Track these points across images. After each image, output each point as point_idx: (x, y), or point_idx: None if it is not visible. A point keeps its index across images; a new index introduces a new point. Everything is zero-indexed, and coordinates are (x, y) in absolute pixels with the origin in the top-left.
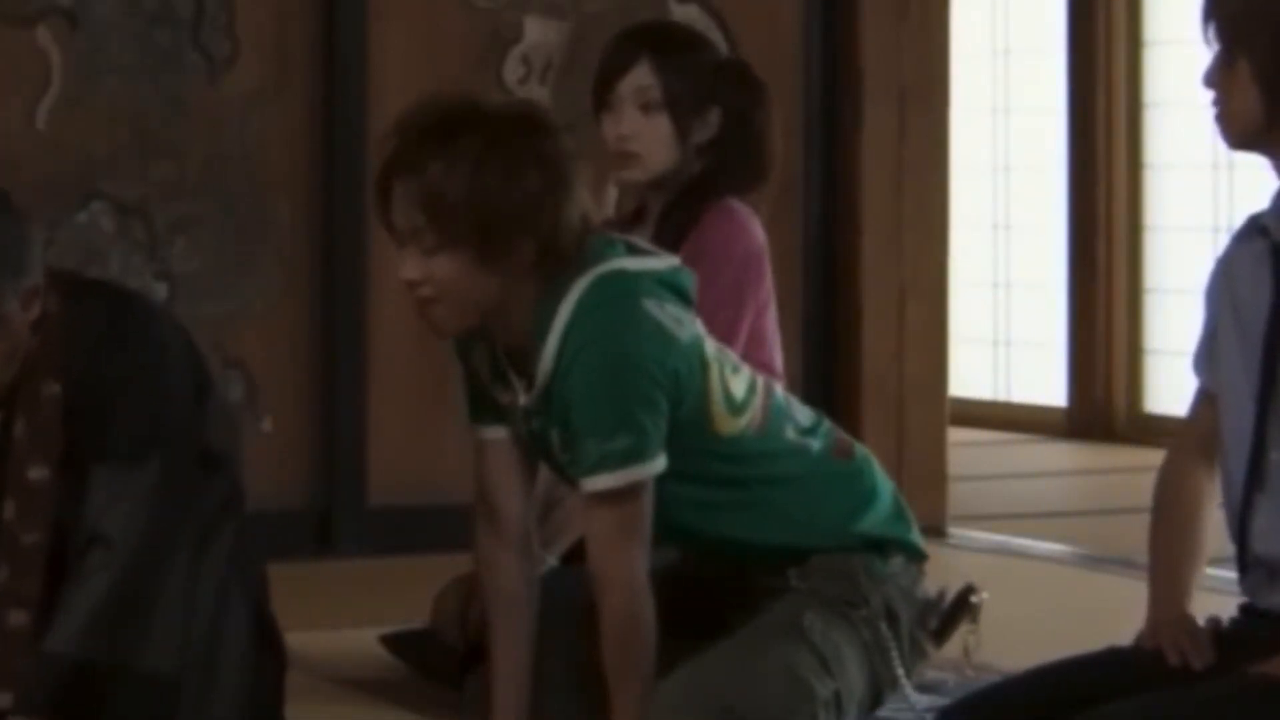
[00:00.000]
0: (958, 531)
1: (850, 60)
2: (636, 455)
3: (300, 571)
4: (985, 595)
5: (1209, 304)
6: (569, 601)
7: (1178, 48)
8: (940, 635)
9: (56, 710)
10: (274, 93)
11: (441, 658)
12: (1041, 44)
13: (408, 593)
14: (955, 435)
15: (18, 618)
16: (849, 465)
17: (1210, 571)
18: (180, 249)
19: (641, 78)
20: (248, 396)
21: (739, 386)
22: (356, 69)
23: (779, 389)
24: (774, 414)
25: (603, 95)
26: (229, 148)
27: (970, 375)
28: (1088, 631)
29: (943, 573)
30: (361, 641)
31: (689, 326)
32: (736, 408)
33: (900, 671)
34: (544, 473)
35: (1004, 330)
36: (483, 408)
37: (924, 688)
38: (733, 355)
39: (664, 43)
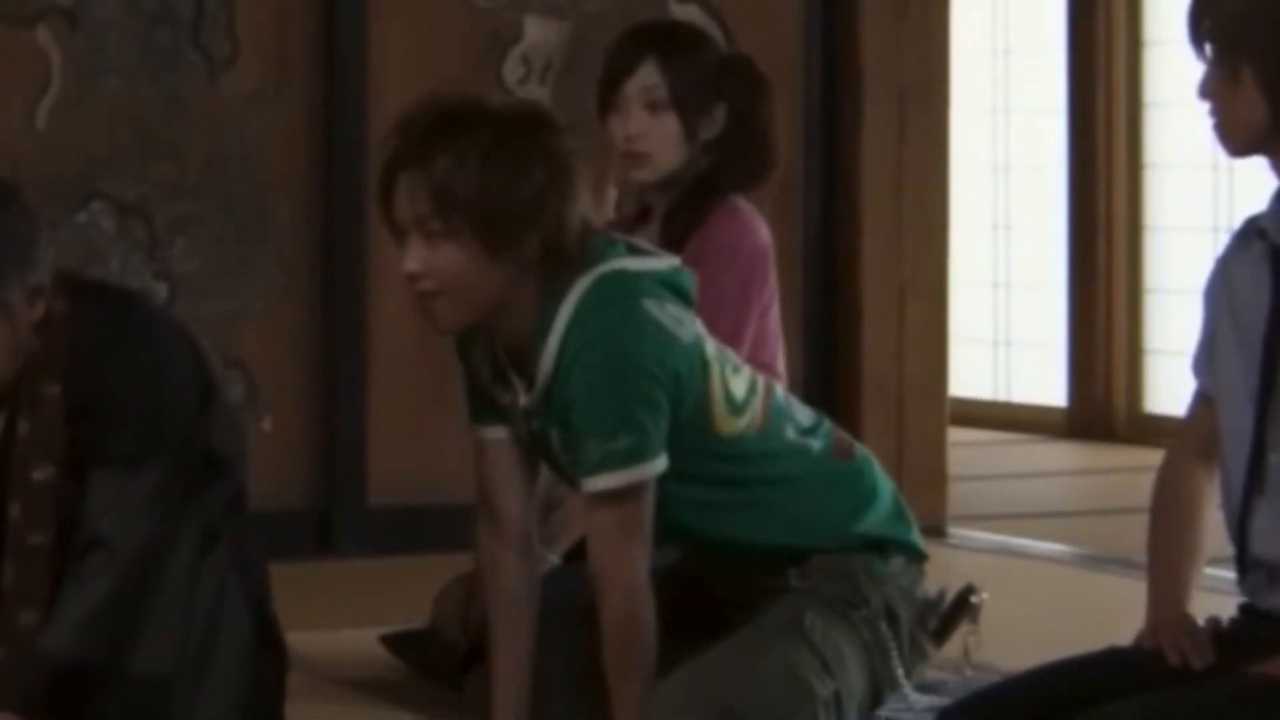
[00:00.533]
0: (958, 531)
1: (850, 60)
2: (638, 455)
3: (300, 571)
4: (985, 595)
5: (1207, 306)
6: (569, 601)
7: (1178, 48)
8: (940, 635)
9: (49, 708)
10: (274, 93)
11: (441, 658)
12: (1041, 44)
13: (408, 593)
14: (955, 435)
15: (27, 617)
16: (849, 465)
17: (1209, 571)
18: (180, 249)
19: (648, 77)
20: (248, 396)
21: (739, 387)
22: (356, 69)
23: (779, 389)
24: (774, 414)
25: (609, 96)
26: (229, 148)
27: (970, 375)
28: (1088, 631)
29: (943, 573)
30: (361, 641)
31: (689, 326)
32: (737, 408)
33: (900, 671)
34: (545, 472)
35: (1004, 330)
36: (483, 407)
37: (924, 688)
38: (733, 355)
39: (669, 42)
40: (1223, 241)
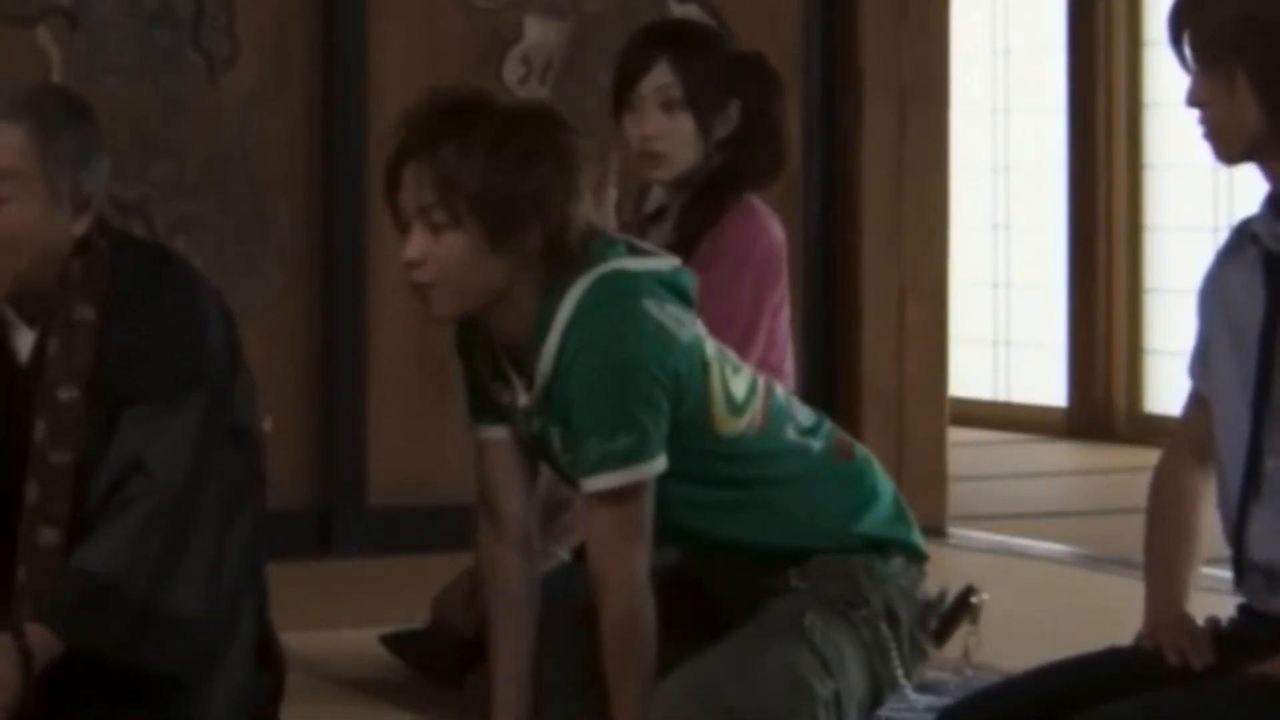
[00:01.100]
0: (958, 531)
1: (850, 60)
2: (637, 455)
3: (300, 571)
4: (985, 596)
5: (1201, 310)
6: (570, 601)
7: None
8: (940, 636)
9: (71, 626)
10: (274, 93)
11: (442, 658)
12: (1041, 44)
13: (408, 593)
14: (955, 435)
15: (48, 536)
16: (850, 465)
17: (1207, 571)
18: (180, 249)
19: (662, 77)
20: None
21: (739, 387)
22: (356, 69)
23: (779, 389)
24: (775, 414)
25: (623, 96)
26: (229, 148)
27: (970, 375)
28: (1088, 631)
29: (943, 573)
30: (361, 641)
31: (689, 327)
32: (737, 408)
33: (900, 672)
34: (550, 472)
35: (1004, 330)
36: (482, 407)
37: (924, 688)
38: (733, 355)
39: (682, 41)
40: (1222, 241)
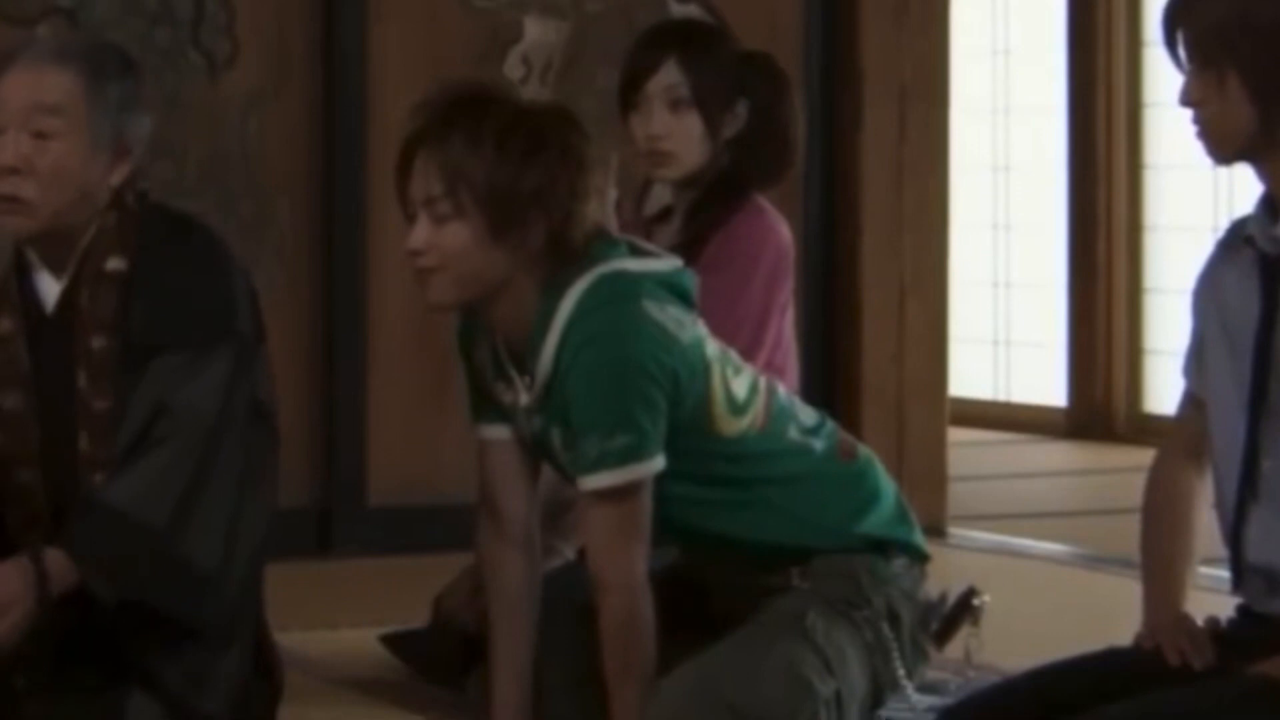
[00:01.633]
0: (958, 531)
1: (850, 60)
2: (635, 454)
3: (300, 571)
4: (987, 598)
5: (1195, 312)
6: (570, 601)
7: None
8: (942, 637)
9: (88, 553)
10: (274, 93)
11: (442, 658)
12: (1041, 44)
13: (408, 593)
14: (955, 435)
15: (100, 482)
16: (852, 466)
17: (1205, 570)
18: None
19: (669, 76)
20: None
21: (741, 387)
22: (356, 69)
23: (781, 389)
24: (777, 414)
25: (630, 96)
26: (229, 147)
27: (970, 375)
28: (1088, 631)
29: (943, 573)
30: (361, 641)
31: (690, 328)
32: (738, 408)
33: (901, 672)
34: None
35: (1004, 330)
36: (485, 406)
37: (925, 688)
38: (735, 356)
39: (689, 41)
40: (1216, 241)
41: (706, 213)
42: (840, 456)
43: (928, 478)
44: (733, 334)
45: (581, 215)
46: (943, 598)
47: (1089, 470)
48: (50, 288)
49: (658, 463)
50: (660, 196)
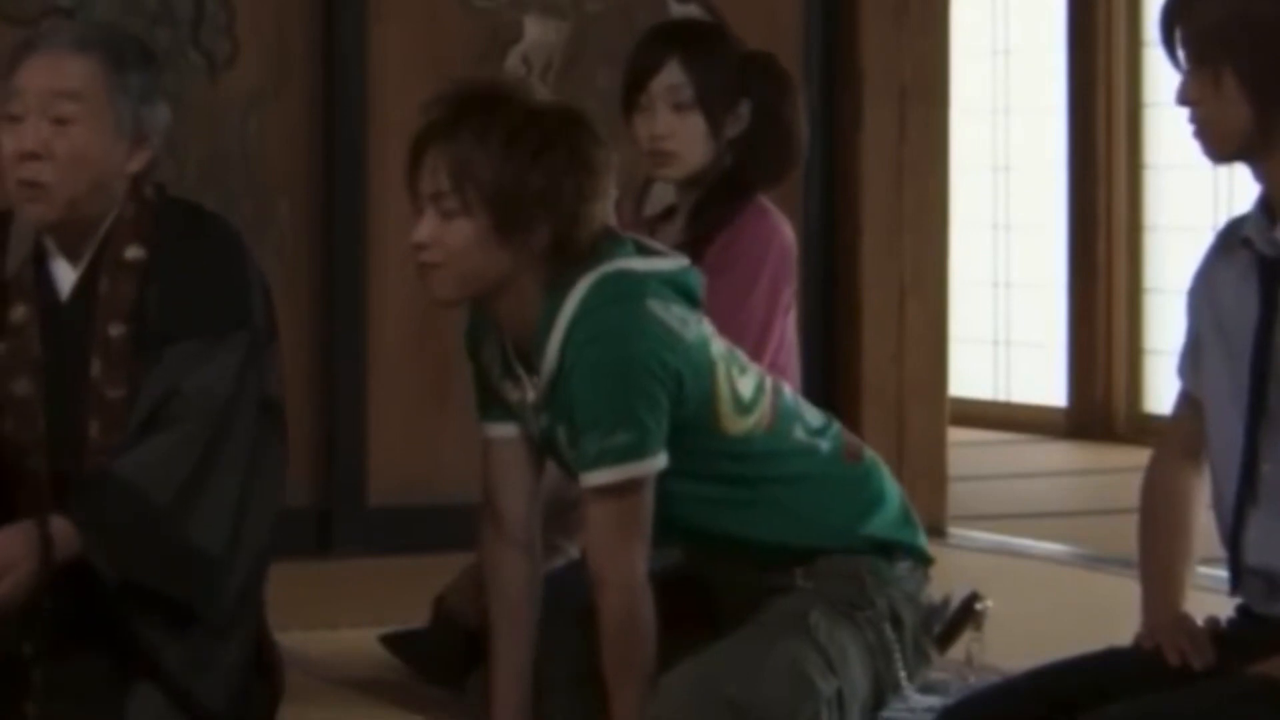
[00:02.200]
0: (958, 531)
1: (850, 60)
2: (636, 451)
3: (300, 571)
4: (990, 603)
5: (1191, 312)
6: (571, 601)
7: None
8: (944, 641)
9: (93, 522)
10: (274, 93)
11: (442, 658)
12: (1041, 44)
13: (408, 593)
14: (955, 435)
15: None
16: (858, 468)
17: (1204, 570)
18: None
19: (672, 76)
20: None
21: (747, 386)
22: (356, 69)
23: (787, 390)
24: (783, 414)
25: (634, 97)
26: (229, 147)
27: (970, 375)
28: (1088, 631)
29: (942, 573)
30: (361, 641)
31: (695, 327)
32: (744, 407)
33: (903, 674)
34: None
35: (1004, 330)
36: (491, 404)
37: (925, 689)
38: (741, 355)
39: (692, 41)
40: (1212, 241)
41: (710, 213)
42: (846, 458)
43: (928, 478)
44: (738, 335)
45: (588, 216)
46: (945, 602)
47: (1089, 470)
48: (66, 275)
49: (659, 461)
50: (661, 196)
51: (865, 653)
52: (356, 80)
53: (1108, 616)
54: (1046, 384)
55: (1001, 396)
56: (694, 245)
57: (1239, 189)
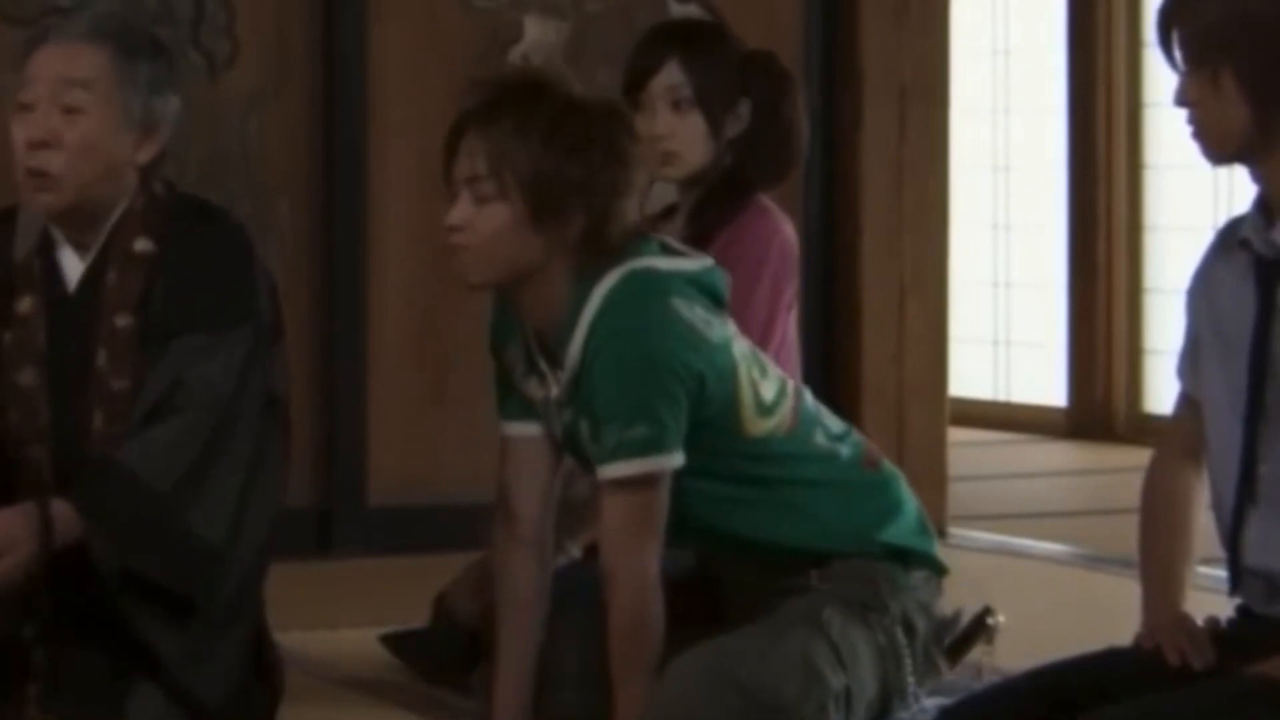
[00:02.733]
0: (958, 531)
1: (850, 60)
2: (654, 446)
3: (300, 571)
4: (1002, 619)
5: (1189, 313)
6: (586, 593)
7: None
8: (955, 654)
9: (94, 506)
10: (274, 93)
11: (442, 657)
12: (1041, 44)
13: (408, 593)
14: (955, 435)
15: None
16: (876, 475)
17: (1204, 570)
18: None
19: (672, 76)
20: None
21: (769, 389)
22: (356, 69)
23: (809, 395)
24: (803, 418)
25: (633, 96)
26: (229, 148)
27: (970, 375)
28: (1088, 631)
29: None
30: (361, 641)
31: (719, 328)
32: (766, 409)
33: (911, 680)
34: (565, 468)
35: (1004, 330)
36: (512, 403)
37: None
38: (763, 357)
39: (691, 41)
40: (1210, 241)
41: (710, 212)
42: (865, 465)
43: (928, 478)
44: (743, 334)
45: (621, 211)
46: (957, 615)
47: (1089, 470)
48: (73, 266)
49: (676, 458)
50: (660, 195)
51: (876, 654)
52: (356, 80)
53: (1108, 616)
54: (1046, 384)
55: (1001, 396)
56: (694, 245)
57: (1239, 189)
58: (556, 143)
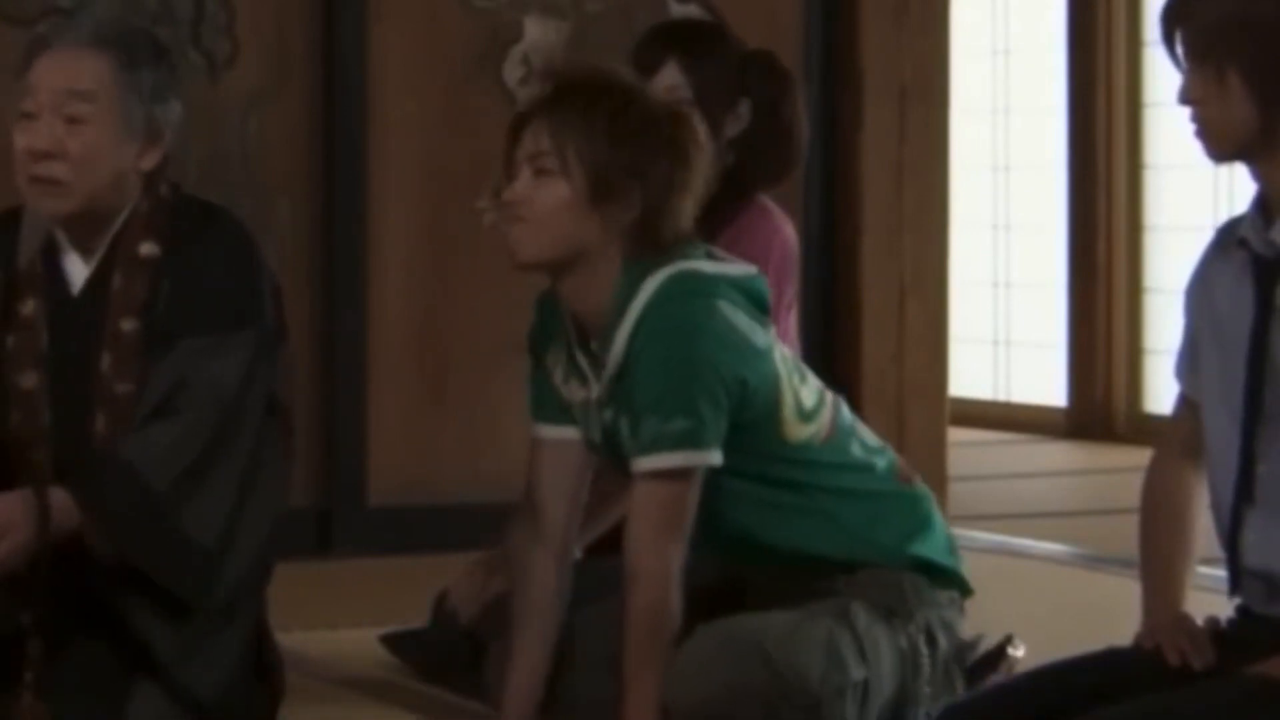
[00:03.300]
0: (958, 531)
1: (850, 60)
2: (692, 440)
3: (300, 571)
4: (1023, 651)
5: (1188, 312)
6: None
7: None
8: (973, 677)
9: (91, 496)
10: (274, 93)
11: (442, 657)
12: (1041, 43)
13: (408, 593)
14: (955, 435)
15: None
16: (910, 490)
17: (1204, 570)
18: None
19: (670, 77)
20: None
21: (809, 396)
22: (356, 69)
23: (845, 407)
24: (841, 428)
25: None
26: (229, 148)
27: (970, 375)
28: (1088, 631)
29: None
30: (361, 641)
31: (762, 335)
32: (806, 415)
33: (928, 691)
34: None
35: (1004, 330)
36: (547, 406)
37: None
38: (802, 364)
39: (690, 41)
40: (1209, 241)
41: (711, 212)
42: (899, 479)
43: (928, 478)
44: None
45: (676, 209)
46: (978, 640)
47: (1089, 470)
48: (78, 270)
49: (713, 456)
50: None
51: (897, 657)
52: (356, 80)
53: (1108, 616)
54: (1046, 384)
55: (1001, 396)
56: None
57: (1239, 189)
58: (620, 126)
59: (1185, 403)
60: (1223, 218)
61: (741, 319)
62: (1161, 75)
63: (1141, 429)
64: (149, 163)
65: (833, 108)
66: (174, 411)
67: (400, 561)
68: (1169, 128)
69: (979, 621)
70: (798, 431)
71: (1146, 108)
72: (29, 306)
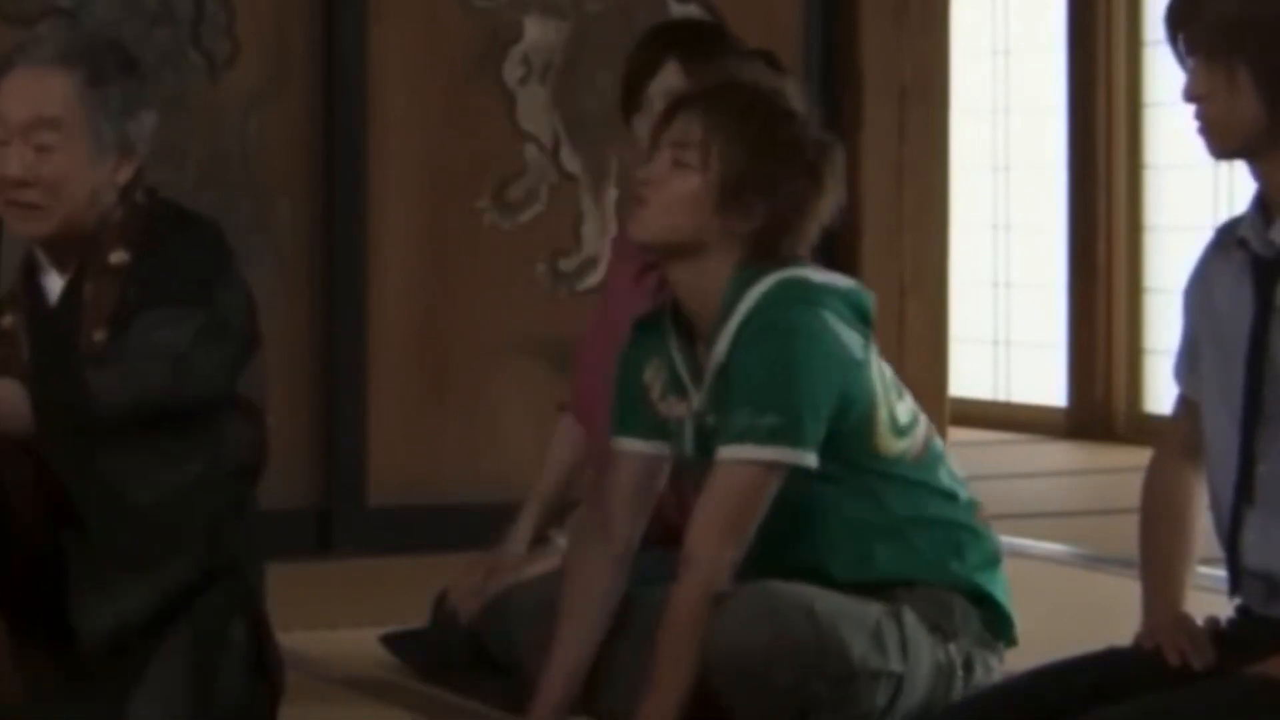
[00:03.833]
0: None
1: (850, 60)
2: (783, 435)
3: (300, 571)
4: None
5: (1186, 313)
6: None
7: None
8: None
9: (42, 399)
10: (274, 93)
11: (442, 657)
12: (1041, 43)
13: (408, 593)
14: (955, 435)
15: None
16: (986, 530)
17: (1204, 570)
18: None
19: (670, 78)
20: None
21: (904, 413)
22: (356, 69)
23: (938, 437)
24: (932, 452)
25: (633, 97)
26: (229, 148)
27: (970, 375)
28: (1088, 631)
29: None
30: (361, 641)
31: (864, 348)
32: (900, 430)
33: None
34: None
35: (1004, 330)
36: (635, 420)
37: None
38: (898, 380)
39: (690, 41)
40: (1208, 241)
41: None
42: (978, 515)
43: None
44: None
45: (800, 229)
46: None
47: (1089, 470)
48: (55, 284)
49: (807, 457)
50: None
51: (934, 668)
52: (356, 80)
53: (1108, 616)
54: (1046, 384)
55: (1001, 396)
56: None
57: (1239, 189)
58: (767, 141)
59: (1185, 403)
60: (1223, 218)
61: (844, 330)
62: (1161, 75)
63: (1141, 429)
64: (124, 176)
65: (833, 108)
66: (128, 352)
67: (400, 561)
68: (1169, 128)
69: None
70: (890, 445)
71: (1146, 108)
72: (8, 320)
